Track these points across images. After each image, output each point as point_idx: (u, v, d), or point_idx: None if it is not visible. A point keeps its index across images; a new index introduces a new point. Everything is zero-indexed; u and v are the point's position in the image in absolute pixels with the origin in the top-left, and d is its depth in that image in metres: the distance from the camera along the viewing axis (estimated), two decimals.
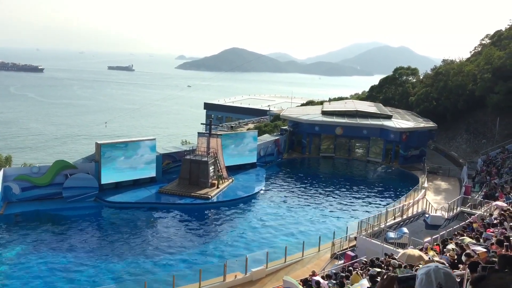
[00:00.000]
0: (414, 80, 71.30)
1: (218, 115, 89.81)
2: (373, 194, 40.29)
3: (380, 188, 42.17)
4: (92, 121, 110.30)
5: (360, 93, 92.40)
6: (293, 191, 39.94)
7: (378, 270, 14.27)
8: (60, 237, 27.90)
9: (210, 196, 35.61)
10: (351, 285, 13.68)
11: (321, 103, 69.24)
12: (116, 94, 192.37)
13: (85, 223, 30.57)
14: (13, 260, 24.49)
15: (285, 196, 38.42)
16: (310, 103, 77.59)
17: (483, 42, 67.10)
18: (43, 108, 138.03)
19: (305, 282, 16.19)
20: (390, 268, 14.91)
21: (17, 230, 28.58)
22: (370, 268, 16.10)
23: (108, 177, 35.35)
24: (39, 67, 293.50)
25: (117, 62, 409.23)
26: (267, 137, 50.60)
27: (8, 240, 27.22)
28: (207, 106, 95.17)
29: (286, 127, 54.42)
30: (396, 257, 16.38)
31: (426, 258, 14.35)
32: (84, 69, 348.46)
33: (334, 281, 16.73)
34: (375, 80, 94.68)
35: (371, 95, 72.91)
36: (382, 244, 23.33)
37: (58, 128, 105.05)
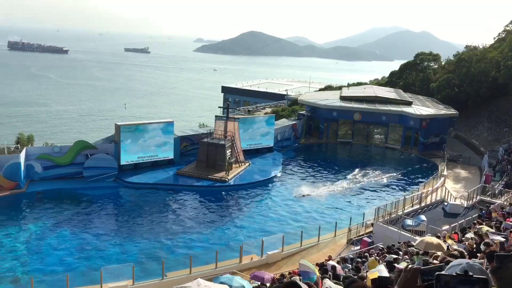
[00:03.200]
0: (436, 66, 69.94)
1: (236, 99, 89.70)
2: (391, 181, 40.02)
3: (398, 175, 41.83)
4: (111, 103, 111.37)
5: (379, 78, 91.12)
6: (309, 176, 39.93)
7: (395, 256, 14.30)
8: (80, 216, 28.55)
9: (227, 179, 35.86)
10: (368, 270, 13.73)
11: (340, 88, 68.53)
12: (134, 76, 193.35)
13: (104, 203, 31.19)
14: (34, 237, 25.18)
15: (301, 181, 38.44)
16: (328, 88, 76.91)
17: (508, 28, 65.25)
18: (63, 88, 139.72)
19: (321, 266, 16.29)
20: (407, 256, 14.93)
21: (39, 208, 29.33)
22: (386, 255, 16.13)
23: (127, 158, 35.84)
24: (64, 49, 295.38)
25: (134, 44, 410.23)
26: (284, 122, 50.48)
27: (30, 217, 27.99)
28: (225, 89, 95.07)
29: (304, 112, 54.16)
30: (414, 244, 16.35)
31: (444, 246, 14.29)
32: (102, 50, 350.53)
33: (350, 265, 16.83)
34: (395, 65, 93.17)
35: (391, 80, 71.88)
36: (399, 231, 23.29)
37: (78, 109, 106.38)
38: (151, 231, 26.63)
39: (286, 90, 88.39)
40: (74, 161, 33.83)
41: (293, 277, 14.05)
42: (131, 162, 36.23)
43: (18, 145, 34.22)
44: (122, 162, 35.52)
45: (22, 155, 31.52)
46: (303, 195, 33.63)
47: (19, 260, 22.56)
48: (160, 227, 27.26)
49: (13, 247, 23.77)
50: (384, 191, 37.10)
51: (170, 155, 38.38)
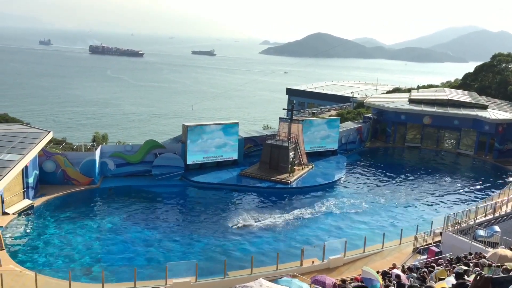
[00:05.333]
0: None
1: (300, 101, 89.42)
2: (463, 188, 38.01)
3: (470, 183, 39.64)
4: (179, 103, 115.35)
5: (452, 81, 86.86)
6: (374, 181, 38.91)
7: (465, 268, 13.55)
8: (147, 212, 29.82)
9: (289, 181, 35.84)
10: (435, 280, 13.13)
11: (409, 90, 66.24)
12: (201, 78, 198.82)
13: (171, 200, 32.36)
14: (105, 231, 26.63)
15: (365, 186, 37.57)
16: (396, 90, 74.56)
17: None
18: (135, 90, 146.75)
19: (384, 274, 15.79)
20: (478, 268, 14.09)
21: (111, 203, 31.01)
22: (456, 266, 15.33)
23: (193, 157, 36.94)
24: (140, 52, 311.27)
25: (200, 47, 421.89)
26: (349, 125, 49.59)
27: (102, 212, 29.67)
28: (290, 91, 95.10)
29: (370, 114, 52.92)
30: (486, 256, 15.41)
31: None
32: (171, 53, 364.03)
33: (415, 275, 16.16)
34: (469, 67, 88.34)
35: (464, 83, 68.25)
36: (470, 241, 22.05)
37: (148, 109, 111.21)
38: (213, 230, 27.21)
39: (352, 92, 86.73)
40: (144, 159, 35.43)
41: (355, 283, 13.75)
42: (197, 162, 37.29)
43: (94, 143, 36.39)
44: (189, 162, 36.66)
45: (97, 152, 33.50)
46: (241, 226, 27.88)
47: (91, 253, 23.95)
48: (222, 227, 27.77)
49: (86, 240, 25.29)
50: (454, 198, 35.31)
51: (234, 156, 39.03)
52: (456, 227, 24.02)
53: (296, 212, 30.68)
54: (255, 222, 28.37)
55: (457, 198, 35.42)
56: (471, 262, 15.54)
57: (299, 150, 39.39)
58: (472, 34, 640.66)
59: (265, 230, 27.66)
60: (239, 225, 27.77)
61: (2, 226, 25.28)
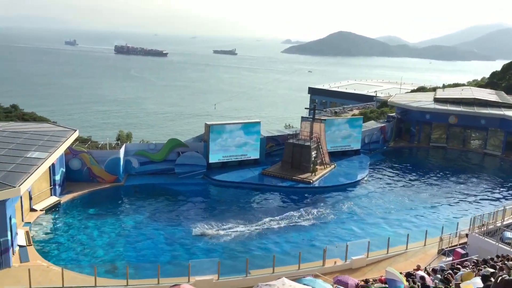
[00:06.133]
0: None
1: (322, 100, 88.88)
2: (489, 189, 37.16)
3: (497, 184, 38.74)
4: (202, 103, 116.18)
5: (479, 79, 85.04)
6: (398, 181, 38.39)
7: (492, 270, 13.24)
8: (170, 210, 30.15)
9: (311, 181, 35.68)
10: (461, 282, 12.88)
11: (434, 89, 65.11)
12: (223, 77, 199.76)
13: (194, 199, 32.61)
14: (129, 228, 27.03)
15: (389, 186, 37.10)
16: (421, 89, 73.44)
17: None
18: (159, 89, 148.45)
19: (408, 275, 15.58)
20: (504, 271, 13.75)
21: (135, 201, 31.46)
22: (481, 268, 15.00)
23: (215, 156, 37.14)
24: (164, 52, 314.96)
25: (222, 47, 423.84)
26: (372, 124, 49.04)
27: (127, 209, 30.12)
28: (312, 90, 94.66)
29: (394, 114, 52.23)
30: None
31: None
32: (194, 53, 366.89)
33: (440, 277, 15.89)
34: (497, 65, 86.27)
35: (492, 82, 66.85)
36: (497, 244, 21.54)
37: (171, 108, 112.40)
38: (235, 228, 27.29)
39: (375, 91, 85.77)
40: (167, 158, 35.82)
41: (378, 284, 13.61)
42: (219, 161, 37.48)
43: (118, 142, 36.97)
44: (211, 161, 36.89)
45: (122, 151, 34.04)
46: (202, 234, 26.25)
47: (116, 250, 24.35)
48: (244, 225, 27.81)
49: (110, 237, 25.73)
50: (481, 199, 34.55)
51: (256, 155, 39.07)
52: (482, 229, 23.52)
53: (316, 211, 30.52)
54: (219, 231, 26.48)
55: (484, 199, 34.65)
56: (498, 265, 15.19)
57: (321, 150, 39.17)
58: (498, 32, 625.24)
59: (287, 229, 27.58)
60: (198, 232, 26.03)
61: (29, 222, 25.96)
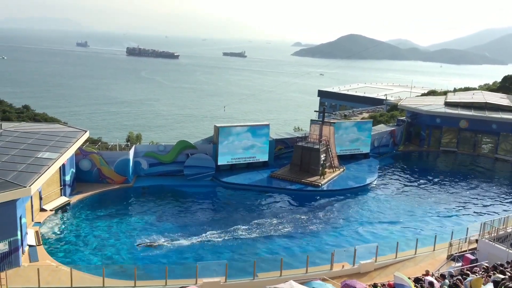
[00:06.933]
0: None
1: (332, 103, 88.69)
2: (500, 195, 36.76)
3: (509, 189, 38.30)
4: (211, 105, 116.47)
5: (490, 83, 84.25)
6: (407, 185, 38.14)
7: (502, 276, 13.10)
8: (179, 212, 30.24)
9: (320, 184, 35.58)
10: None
11: (445, 93, 64.63)
12: (232, 79, 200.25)
13: (202, 200, 32.69)
14: (138, 229, 27.12)
15: (398, 190, 36.87)
16: (431, 93, 72.98)
17: None
18: (168, 91, 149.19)
19: (417, 281, 15.46)
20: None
21: (144, 202, 31.60)
22: (491, 274, 14.84)
23: (224, 158, 37.19)
24: (175, 54, 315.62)
25: (231, 49, 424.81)
26: (382, 127, 48.80)
27: (135, 210, 30.27)
28: (321, 93, 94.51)
29: (404, 117, 51.93)
30: None
31: None
32: (204, 55, 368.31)
33: (449, 282, 15.74)
34: (509, 70, 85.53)
35: (503, 86, 66.20)
36: (507, 250, 21.30)
37: (181, 110, 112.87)
38: (243, 231, 27.29)
39: (385, 94, 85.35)
40: (176, 159, 35.93)
41: None
42: (228, 163, 37.53)
43: (128, 143, 37.18)
44: (220, 163, 36.95)
45: (131, 152, 34.22)
46: (146, 244, 24.94)
47: (124, 250, 24.45)
48: (251, 227, 27.80)
49: (119, 238, 25.85)
50: (491, 205, 34.18)
51: (265, 157, 39.07)
52: (493, 235, 23.28)
53: (325, 214, 30.41)
54: (165, 242, 25.11)
55: (494, 205, 34.28)
56: (508, 271, 15.01)
57: (330, 153, 39.05)
58: (510, 36, 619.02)
59: (295, 232, 27.50)
60: (142, 244, 24.83)
61: (39, 222, 26.18)
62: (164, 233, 26.28)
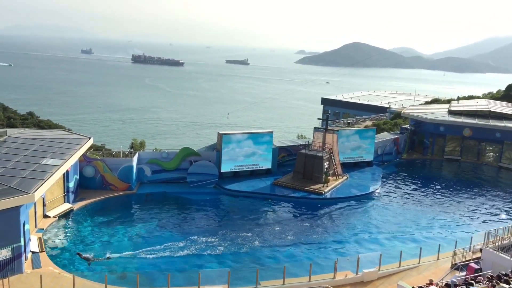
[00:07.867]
0: None
1: (335, 111, 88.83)
2: (504, 203, 36.56)
3: None
4: (214, 112, 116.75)
5: (494, 92, 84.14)
6: (411, 194, 38.00)
7: (507, 286, 13.04)
8: (181, 219, 30.19)
9: (323, 192, 35.51)
10: None
11: (448, 101, 64.65)
12: (236, 87, 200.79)
13: (205, 208, 32.65)
14: (141, 236, 27.11)
15: (401, 199, 36.73)
16: (435, 101, 72.97)
17: None
18: (172, 98, 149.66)
19: None
20: None
21: (147, 209, 31.59)
22: (495, 284, 14.76)
23: (227, 166, 37.21)
24: (180, 61, 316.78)
25: (235, 57, 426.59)
26: (385, 135, 48.77)
27: (139, 217, 30.25)
28: (325, 101, 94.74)
29: (407, 125, 51.89)
30: None
31: None
32: (208, 63, 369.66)
33: None
34: None
35: (507, 94, 66.15)
36: None
37: (184, 118, 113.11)
38: (246, 238, 27.22)
39: (389, 102, 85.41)
40: (179, 166, 35.98)
41: None
42: (231, 170, 37.54)
43: (132, 150, 37.26)
44: (223, 170, 36.96)
45: (135, 159, 34.29)
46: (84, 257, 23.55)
47: (127, 257, 24.39)
48: (254, 235, 27.73)
49: (121, 245, 25.81)
50: (495, 214, 33.98)
51: (268, 165, 39.06)
52: (497, 244, 23.12)
53: (328, 222, 30.32)
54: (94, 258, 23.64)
55: (499, 214, 34.08)
56: None
57: (333, 160, 39.01)
58: None
59: (298, 240, 27.41)
60: (83, 255, 23.50)
61: (42, 229, 26.21)
62: (165, 240, 26.26)
